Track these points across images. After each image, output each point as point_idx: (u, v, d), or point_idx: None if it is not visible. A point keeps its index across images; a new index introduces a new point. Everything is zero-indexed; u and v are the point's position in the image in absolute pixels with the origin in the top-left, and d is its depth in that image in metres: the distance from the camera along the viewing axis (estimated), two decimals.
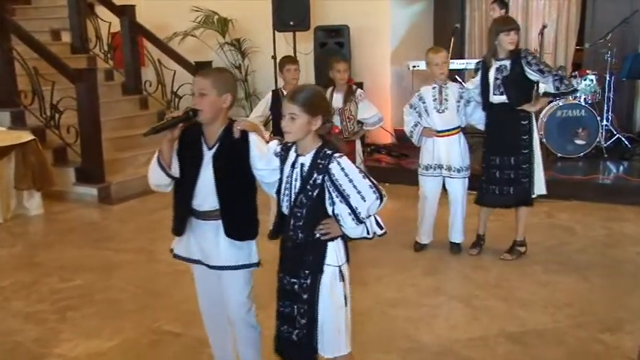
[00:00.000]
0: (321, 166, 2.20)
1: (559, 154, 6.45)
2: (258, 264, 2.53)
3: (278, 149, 2.37)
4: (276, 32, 7.30)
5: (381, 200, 2.22)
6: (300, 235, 2.27)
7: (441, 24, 8.03)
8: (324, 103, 2.31)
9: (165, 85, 7.85)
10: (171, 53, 7.71)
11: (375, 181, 2.23)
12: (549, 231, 4.84)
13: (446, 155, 4.22)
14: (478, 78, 4.15)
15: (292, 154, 2.30)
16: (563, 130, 6.39)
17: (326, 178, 2.19)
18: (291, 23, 7.06)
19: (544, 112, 6.45)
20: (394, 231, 4.99)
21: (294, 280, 2.29)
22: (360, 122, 4.63)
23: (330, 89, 4.65)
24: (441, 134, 4.22)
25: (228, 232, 2.43)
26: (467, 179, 4.28)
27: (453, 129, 4.23)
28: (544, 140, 6.32)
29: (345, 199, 2.18)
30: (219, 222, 2.43)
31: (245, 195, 2.46)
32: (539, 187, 4.13)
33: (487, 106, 4.11)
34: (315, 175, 2.21)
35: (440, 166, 4.25)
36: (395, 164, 6.70)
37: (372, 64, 7.63)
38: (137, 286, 3.99)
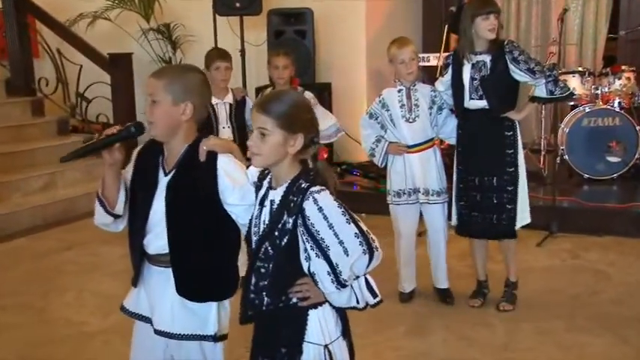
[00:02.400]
0: (292, 204, 2.11)
1: (586, 175, 6.50)
2: (215, 337, 2.44)
3: (255, 178, 2.30)
4: (217, 16, 7.28)
5: (372, 256, 2.11)
6: (265, 299, 2.18)
7: (431, 7, 8.11)
8: (308, 116, 2.20)
9: (67, 84, 7.78)
10: (76, 42, 7.61)
11: (365, 228, 2.12)
12: (574, 275, 4.84)
13: (421, 175, 4.24)
14: (448, 77, 4.21)
15: (265, 187, 2.24)
16: (592, 144, 6.45)
17: (299, 221, 2.09)
18: (238, 5, 7.05)
19: (566, 120, 6.53)
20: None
21: None
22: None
23: (268, 90, 4.69)
24: (412, 149, 4.23)
25: (179, 287, 2.38)
26: (446, 204, 4.32)
27: (427, 141, 4.26)
28: (566, 157, 6.38)
29: (323, 252, 2.08)
30: (170, 271, 2.39)
31: (208, 239, 2.39)
32: (523, 215, 4.17)
33: (460, 112, 4.17)
34: (285, 217, 2.12)
35: (415, 190, 4.27)
36: (372, 189, 6.67)
37: (342, 59, 7.64)
38: (22, 357, 3.88)
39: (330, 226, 2.07)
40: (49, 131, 7.38)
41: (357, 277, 2.14)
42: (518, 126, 4.14)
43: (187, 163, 2.36)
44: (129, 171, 2.46)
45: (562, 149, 6.45)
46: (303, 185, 2.11)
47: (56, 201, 6.34)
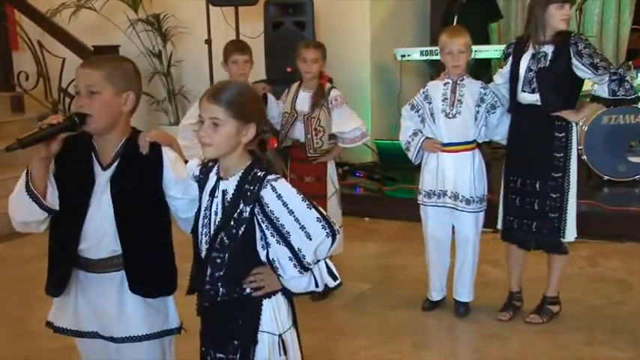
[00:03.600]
0: (249, 193, 2.23)
1: (606, 177, 6.51)
2: (179, 329, 2.55)
3: (197, 171, 2.39)
4: (210, 7, 7.29)
5: (334, 238, 2.26)
6: (221, 290, 2.28)
7: None
8: (258, 106, 2.36)
9: (49, 79, 7.79)
10: (59, 33, 7.65)
11: (324, 212, 2.27)
12: (593, 285, 4.84)
13: (452, 179, 4.20)
14: (507, 67, 4.15)
15: (212, 178, 2.34)
16: (612, 144, 6.47)
17: (257, 209, 2.22)
18: None
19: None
20: (375, 286, 5.02)
21: (221, 356, 2.31)
22: (333, 136, 4.59)
23: (295, 85, 4.65)
24: (447, 148, 4.20)
25: (136, 286, 2.40)
26: (481, 214, 4.26)
27: (466, 143, 4.21)
28: (584, 157, 6.38)
29: (284, 239, 2.22)
30: (122, 274, 2.40)
31: (158, 232, 2.46)
32: (571, 230, 4.09)
33: (512, 106, 4.11)
34: (241, 206, 2.24)
35: (444, 193, 4.23)
36: (377, 192, 6.67)
37: (344, 53, 7.62)
38: None
39: (291, 212, 2.21)
40: (30, 128, 7.02)
41: (319, 260, 2.28)
42: (574, 128, 4.03)
43: (129, 156, 2.39)
44: (51, 167, 2.40)
45: (580, 149, 6.43)
46: (259, 174, 2.24)
47: None
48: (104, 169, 2.39)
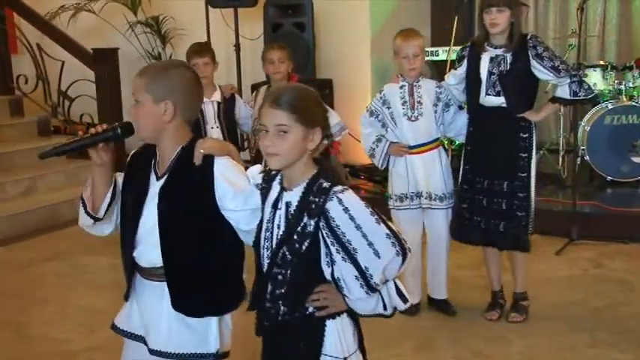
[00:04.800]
0: (314, 205, 2.10)
1: (609, 178, 6.51)
2: (217, 355, 2.44)
3: (259, 179, 2.29)
4: (210, 8, 7.29)
5: (405, 257, 2.13)
6: (282, 308, 2.18)
7: None
8: (321, 109, 2.21)
9: (49, 82, 7.80)
10: (58, 36, 7.65)
11: (394, 227, 2.13)
12: (597, 286, 4.83)
13: (424, 178, 4.25)
14: (462, 69, 4.19)
15: (275, 188, 2.23)
16: (615, 144, 6.46)
17: (322, 223, 2.09)
18: None
19: (586, 118, 6.53)
20: None
21: None
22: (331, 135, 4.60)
23: (263, 88, 4.70)
24: (414, 150, 4.23)
25: (176, 303, 2.37)
26: (450, 210, 4.32)
27: (431, 142, 4.26)
28: (587, 157, 6.38)
29: (350, 256, 2.08)
30: (164, 285, 2.38)
31: (206, 249, 2.39)
32: (532, 226, 4.16)
33: (474, 109, 4.15)
34: (305, 219, 2.11)
35: (418, 195, 4.27)
36: (379, 193, 6.66)
37: (344, 54, 7.65)
38: None
39: (358, 227, 2.07)
40: (29, 132, 7.38)
41: (387, 280, 2.15)
42: (534, 128, 4.12)
43: (181, 167, 2.34)
44: (122, 175, 2.47)
45: (583, 149, 6.44)
46: (324, 185, 2.11)
47: (37, 207, 6.31)
48: (158, 179, 2.38)
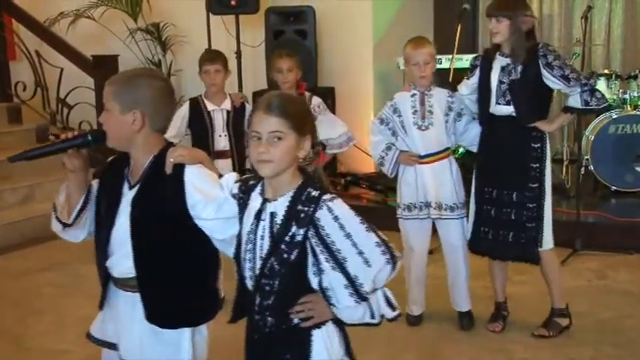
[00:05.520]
0: (303, 214, 2.10)
1: (613, 187, 6.49)
2: None
3: (235, 189, 2.29)
4: (211, 15, 7.29)
5: (394, 265, 2.14)
6: (269, 320, 2.18)
7: (443, 4, 8.11)
8: (312, 117, 2.25)
9: (47, 89, 7.80)
10: (57, 43, 7.67)
11: (383, 236, 2.14)
12: (601, 297, 4.82)
13: (433, 189, 4.22)
14: (474, 79, 4.18)
15: (256, 199, 2.22)
16: (619, 153, 6.45)
17: (311, 232, 2.09)
18: (233, 3, 7.09)
19: (591, 127, 6.52)
20: None
21: None
22: (320, 144, 4.59)
23: None
24: (424, 160, 4.21)
25: (149, 314, 2.37)
26: (465, 219, 4.29)
27: (441, 151, 4.24)
28: (591, 167, 6.36)
29: (340, 265, 2.09)
30: (136, 296, 2.39)
31: (179, 259, 2.39)
32: (547, 239, 4.10)
33: (485, 118, 4.14)
34: (293, 229, 2.11)
35: (427, 205, 4.24)
36: (381, 203, 6.65)
37: (346, 62, 7.65)
38: None
39: (348, 236, 2.08)
40: (27, 140, 7.35)
41: (376, 289, 2.16)
42: (547, 138, 4.09)
43: (153, 176, 2.36)
44: (97, 182, 2.47)
45: (587, 159, 6.43)
46: (313, 194, 2.12)
47: (34, 216, 6.25)
48: (131, 187, 2.38)
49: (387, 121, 4.31)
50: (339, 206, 2.10)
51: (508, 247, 4.11)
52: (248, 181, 2.27)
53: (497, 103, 4.04)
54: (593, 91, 3.96)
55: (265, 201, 2.18)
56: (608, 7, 7.83)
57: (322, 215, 2.08)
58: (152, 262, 2.36)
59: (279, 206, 2.14)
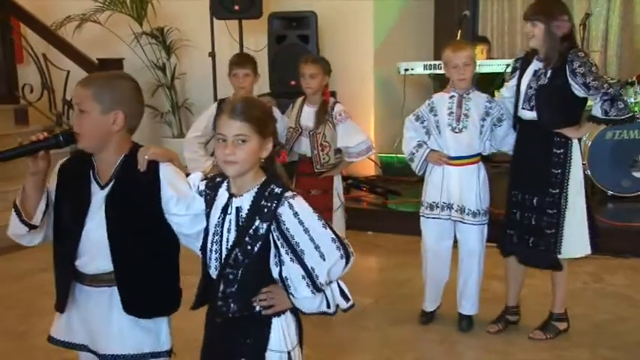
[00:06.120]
0: (266, 209, 2.22)
1: (610, 193, 6.51)
2: (169, 352, 2.51)
3: (202, 186, 2.37)
4: (215, 20, 7.29)
5: (348, 260, 2.28)
6: (232, 306, 2.28)
7: (444, 11, 8.12)
8: (273, 121, 2.36)
9: (54, 92, 7.79)
10: (64, 46, 7.66)
11: (337, 234, 2.28)
12: (598, 301, 4.81)
13: (458, 191, 4.20)
14: (514, 81, 4.15)
15: (223, 194, 2.32)
16: (616, 159, 6.46)
17: (273, 227, 2.22)
18: (236, 8, 7.11)
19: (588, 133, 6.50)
20: (378, 300, 5.00)
21: None
22: (339, 151, 4.60)
23: (300, 99, 4.65)
24: (454, 162, 4.20)
25: (128, 305, 2.39)
26: (485, 227, 4.26)
27: (472, 156, 4.21)
28: (588, 172, 6.36)
29: (298, 257, 2.21)
30: (114, 289, 2.39)
31: (156, 252, 2.43)
32: (574, 246, 4.04)
33: (514, 122, 4.12)
34: (257, 223, 2.23)
35: (449, 206, 4.22)
36: (381, 205, 6.66)
37: (348, 66, 7.61)
38: None
39: (306, 231, 2.21)
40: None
41: (331, 281, 2.28)
42: (575, 145, 3.99)
43: (126, 174, 2.37)
44: (52, 184, 2.44)
45: (584, 164, 6.39)
46: (276, 190, 2.24)
47: None
48: (102, 187, 2.38)
49: (422, 118, 4.28)
50: (300, 203, 2.22)
51: (530, 253, 4.08)
52: (215, 179, 2.37)
53: (523, 107, 4.02)
54: (613, 100, 3.84)
55: (231, 196, 2.29)
56: (605, 15, 7.85)
57: (284, 211, 2.20)
58: (129, 256, 2.37)
59: (245, 201, 2.26)
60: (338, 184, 4.69)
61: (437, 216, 4.26)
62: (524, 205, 4.06)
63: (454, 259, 4.35)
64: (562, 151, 3.97)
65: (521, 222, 4.07)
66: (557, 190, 3.98)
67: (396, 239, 4.99)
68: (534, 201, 4.02)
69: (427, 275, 4.37)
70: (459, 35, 6.69)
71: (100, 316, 2.42)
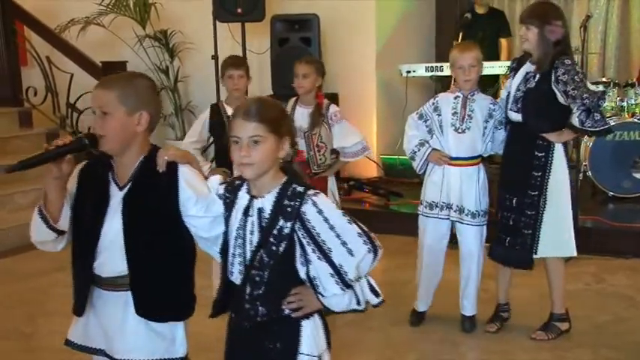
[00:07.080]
0: (289, 209, 2.19)
1: (611, 193, 6.51)
2: (184, 359, 2.47)
3: (221, 190, 2.34)
4: (217, 23, 7.29)
5: (376, 254, 2.24)
6: (260, 309, 2.24)
7: (445, 12, 8.12)
8: (289, 119, 2.34)
9: (57, 94, 7.80)
10: (67, 49, 7.68)
11: (365, 228, 2.23)
12: (599, 301, 4.81)
13: (458, 192, 4.21)
14: (510, 81, 4.16)
15: (243, 197, 2.29)
16: (617, 160, 6.46)
17: (297, 226, 2.19)
18: (239, 11, 7.08)
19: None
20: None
21: None
22: (334, 151, 4.59)
23: (292, 100, 4.65)
24: (455, 162, 4.20)
25: (141, 309, 2.37)
26: (484, 227, 4.27)
27: (473, 158, 4.22)
28: (589, 173, 6.36)
29: (325, 255, 2.18)
30: (128, 294, 2.37)
31: (173, 255, 2.41)
32: (562, 245, 4.07)
33: (505, 122, 4.15)
34: (280, 223, 2.20)
35: (448, 206, 4.23)
36: (382, 207, 6.65)
37: (350, 69, 7.65)
38: None
39: (332, 228, 2.18)
40: (38, 144, 7.28)
41: (360, 277, 2.25)
42: (556, 149, 3.99)
43: (144, 175, 2.36)
44: (72, 188, 2.42)
45: (585, 165, 6.44)
46: (298, 189, 2.21)
47: None
48: (120, 188, 2.37)
49: (425, 117, 4.28)
50: (323, 200, 2.21)
51: (506, 253, 4.12)
52: (234, 182, 2.34)
53: (510, 109, 4.04)
54: (589, 111, 3.84)
55: (252, 198, 2.25)
56: (604, 17, 7.85)
57: (308, 209, 2.18)
58: (144, 258, 2.36)
59: (266, 202, 2.23)
60: (332, 185, 4.69)
61: (436, 215, 4.27)
62: (505, 205, 4.11)
63: (451, 260, 4.36)
64: (543, 154, 4.01)
65: (500, 221, 4.13)
66: (537, 192, 4.02)
67: (399, 240, 4.96)
68: (514, 201, 4.07)
69: (422, 274, 4.37)
70: (460, 37, 6.67)
71: (116, 320, 2.40)
